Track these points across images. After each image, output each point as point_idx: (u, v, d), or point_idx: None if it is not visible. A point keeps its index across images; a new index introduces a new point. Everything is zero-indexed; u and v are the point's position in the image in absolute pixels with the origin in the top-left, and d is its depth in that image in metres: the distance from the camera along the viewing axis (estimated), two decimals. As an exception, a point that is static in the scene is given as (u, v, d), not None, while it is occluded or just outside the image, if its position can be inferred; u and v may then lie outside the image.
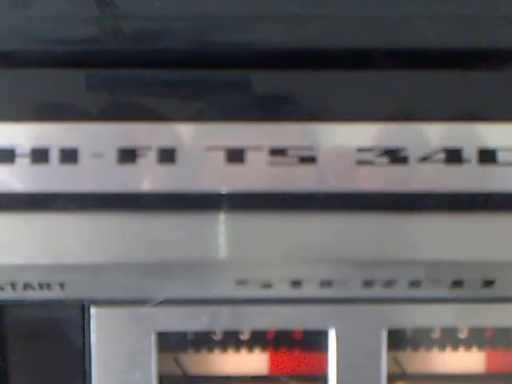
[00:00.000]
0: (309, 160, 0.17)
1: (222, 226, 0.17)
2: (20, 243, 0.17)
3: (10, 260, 0.17)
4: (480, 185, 0.17)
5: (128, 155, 0.17)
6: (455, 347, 0.20)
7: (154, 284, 0.18)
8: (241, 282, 0.18)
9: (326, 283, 0.18)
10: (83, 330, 0.19)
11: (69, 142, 0.17)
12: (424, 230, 0.17)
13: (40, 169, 0.17)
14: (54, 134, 0.17)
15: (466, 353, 0.20)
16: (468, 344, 0.20)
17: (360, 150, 0.17)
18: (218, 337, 0.20)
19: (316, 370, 0.20)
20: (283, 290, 0.19)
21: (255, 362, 0.20)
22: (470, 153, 0.17)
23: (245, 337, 0.20)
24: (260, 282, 0.18)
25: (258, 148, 0.17)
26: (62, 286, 0.18)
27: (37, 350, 0.19)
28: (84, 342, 0.19)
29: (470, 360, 0.20)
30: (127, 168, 0.17)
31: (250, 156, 0.17)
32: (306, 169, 0.17)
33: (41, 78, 0.17)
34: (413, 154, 0.17)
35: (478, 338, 0.20)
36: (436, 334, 0.20)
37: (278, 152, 0.17)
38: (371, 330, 0.19)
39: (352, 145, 0.17)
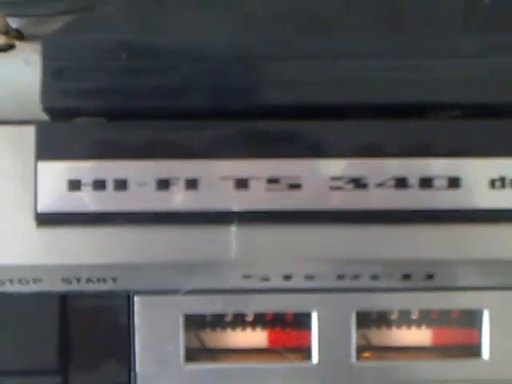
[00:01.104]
0: (296, 187, 0.23)
1: (232, 236, 0.23)
2: (86, 248, 0.23)
3: (79, 261, 0.23)
4: (421, 204, 0.23)
5: (164, 184, 0.23)
6: (409, 326, 0.26)
7: (182, 278, 0.24)
8: (246, 277, 0.24)
9: (309, 277, 0.24)
10: (128, 314, 0.25)
11: (120, 175, 0.23)
12: (380, 236, 0.23)
13: (100, 194, 0.23)
14: (109, 169, 0.23)
15: (417, 330, 0.26)
16: (418, 323, 0.26)
17: (333, 179, 0.23)
18: (229, 318, 0.26)
19: (303, 343, 0.26)
20: (278, 282, 0.25)
21: (257, 337, 0.26)
22: (414, 180, 0.23)
23: (249, 318, 0.26)
24: (261, 276, 0.25)
25: (258, 178, 0.23)
26: (114, 280, 0.24)
27: (92, 330, 0.25)
28: (129, 324, 0.25)
29: (420, 335, 0.26)
30: (163, 193, 0.23)
31: (252, 184, 0.23)
32: (294, 193, 0.23)
33: (98, 127, 0.23)
34: (371, 181, 0.23)
35: (426, 319, 0.26)
36: (394, 316, 0.26)
37: (273, 181, 0.23)
38: (344, 312, 0.25)
39: (327, 175, 0.23)
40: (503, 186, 0.23)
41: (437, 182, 0.23)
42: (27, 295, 0.25)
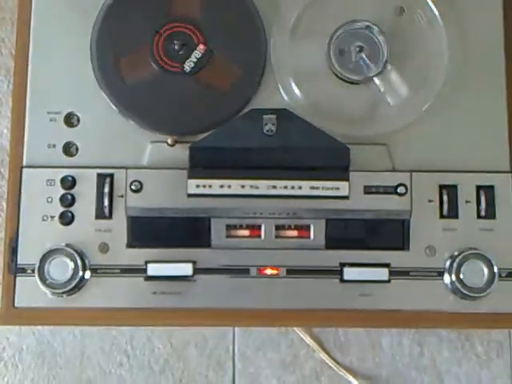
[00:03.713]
0: (259, 188, 0.84)
1: (248, 201, 0.84)
2: (205, 202, 0.84)
3: (201, 206, 0.84)
4: (301, 193, 0.84)
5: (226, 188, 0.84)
6: (291, 229, 0.87)
7: (228, 213, 0.85)
8: (245, 213, 0.85)
9: (260, 214, 0.85)
10: (209, 225, 0.85)
11: (221, 182, 0.84)
12: (285, 202, 0.84)
13: (205, 189, 0.84)
14: (209, 181, 0.84)
15: (294, 230, 0.87)
16: (294, 228, 0.87)
17: (273, 186, 0.84)
18: (237, 227, 0.86)
19: (259, 233, 0.86)
20: (257, 215, 0.85)
21: (246, 232, 0.85)
22: (281, 187, 0.84)
23: (244, 227, 0.86)
24: (251, 214, 0.85)
25: (256, 186, 0.84)
26: (205, 212, 0.85)
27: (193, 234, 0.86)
28: (209, 227, 0.85)
29: (295, 232, 0.87)
30: (228, 188, 0.84)
31: (254, 188, 0.84)
32: (264, 190, 0.84)
33: (208, 171, 0.84)
34: (283, 186, 0.84)
35: (296, 227, 0.87)
36: (287, 226, 0.87)
37: (256, 187, 0.84)
38: (270, 225, 0.85)
39: (268, 185, 0.84)
40: (317, 188, 0.84)
41: (296, 187, 0.84)
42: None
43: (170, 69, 0.84)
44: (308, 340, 1.02)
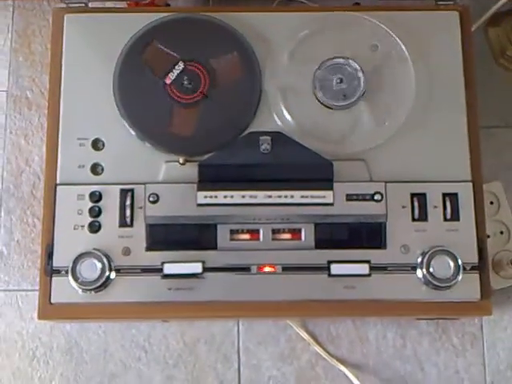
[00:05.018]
0: (258, 197, 0.99)
1: (250, 208, 0.98)
2: (215, 210, 0.98)
3: (213, 214, 0.98)
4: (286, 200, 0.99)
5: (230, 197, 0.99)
6: (285, 232, 1.01)
7: (231, 219, 0.99)
8: (247, 219, 0.99)
9: (260, 218, 1.00)
10: (216, 229, 1.00)
11: (224, 194, 0.98)
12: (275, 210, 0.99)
13: (211, 199, 0.98)
14: (216, 193, 0.98)
15: (287, 233, 1.01)
16: (287, 231, 1.01)
17: (267, 195, 0.99)
18: (239, 231, 1.00)
19: (258, 237, 1.00)
20: (257, 220, 0.99)
21: (246, 236, 0.99)
22: (275, 196, 0.98)
23: (244, 231, 1.00)
24: (252, 220, 0.99)
25: (254, 196, 0.98)
26: (213, 219, 0.99)
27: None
28: (216, 229, 1.00)
29: (288, 235, 1.00)
30: (231, 198, 0.98)
31: (253, 198, 0.98)
32: (261, 199, 0.99)
33: (215, 183, 0.98)
34: (276, 196, 0.99)
35: (289, 231, 1.01)
36: (282, 230, 1.00)
37: (254, 196, 0.98)
38: (268, 228, 1.00)
39: (265, 195, 0.99)
40: (306, 197, 0.99)
41: (289, 196, 0.99)
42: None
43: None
44: (304, 335, 1.13)
